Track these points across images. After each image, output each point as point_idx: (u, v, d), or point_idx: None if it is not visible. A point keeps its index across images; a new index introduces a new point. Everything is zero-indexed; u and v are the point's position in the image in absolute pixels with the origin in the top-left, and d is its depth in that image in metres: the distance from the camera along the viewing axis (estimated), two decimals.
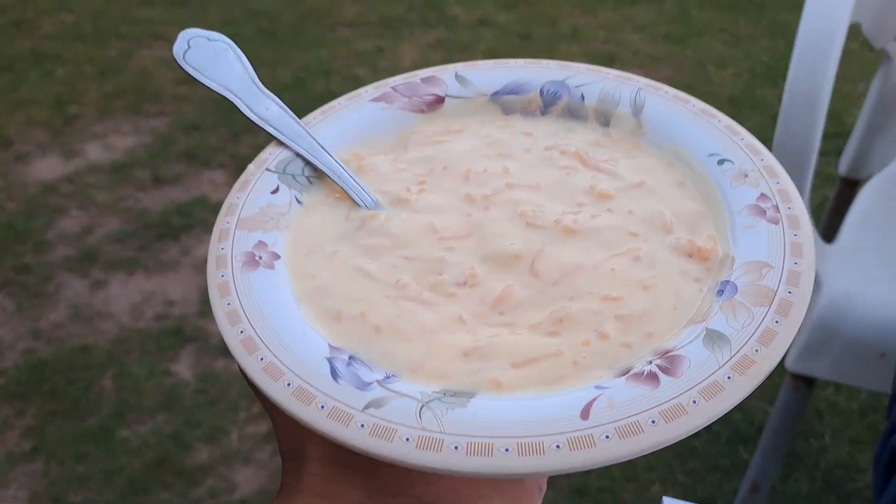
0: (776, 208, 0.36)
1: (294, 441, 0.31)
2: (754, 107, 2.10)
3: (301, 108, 0.44)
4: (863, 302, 0.94)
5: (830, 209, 1.47)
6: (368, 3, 2.76)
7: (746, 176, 0.38)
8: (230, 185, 1.96)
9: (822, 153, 1.96)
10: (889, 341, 0.93)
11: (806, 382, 1.04)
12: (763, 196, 0.36)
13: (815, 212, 1.72)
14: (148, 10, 2.73)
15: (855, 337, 0.94)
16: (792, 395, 1.05)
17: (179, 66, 0.41)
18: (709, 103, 0.43)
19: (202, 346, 1.53)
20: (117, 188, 1.94)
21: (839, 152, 1.51)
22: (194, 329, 1.56)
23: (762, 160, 0.38)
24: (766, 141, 0.93)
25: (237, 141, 2.07)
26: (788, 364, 1.01)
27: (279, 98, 0.43)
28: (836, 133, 1.99)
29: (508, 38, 2.54)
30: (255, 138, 2.06)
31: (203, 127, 2.12)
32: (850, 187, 1.39)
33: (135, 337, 1.55)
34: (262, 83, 0.43)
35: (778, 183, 0.37)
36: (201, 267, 1.71)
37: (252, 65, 0.43)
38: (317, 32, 2.58)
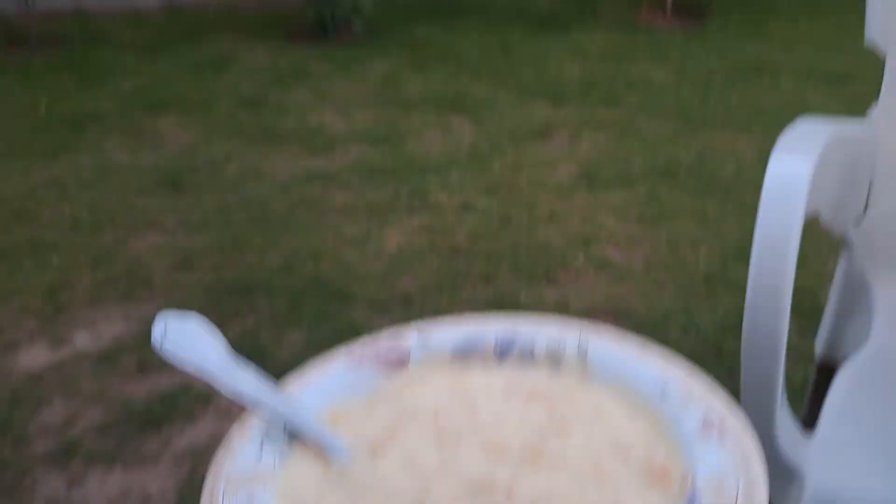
0: (721, 422, 0.40)
1: None
2: (728, 287, 2.17)
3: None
4: (849, 497, 0.93)
5: (810, 393, 1.47)
6: (357, 191, 2.90)
7: (691, 397, 0.42)
8: None
9: (799, 332, 2.00)
10: None
11: None
12: (708, 412, 0.40)
13: (797, 394, 1.73)
14: (145, 200, 2.86)
15: None
16: None
17: (158, 352, 0.45)
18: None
19: None
20: (103, 377, 1.93)
21: (815, 328, 1.54)
22: None
23: (701, 382, 0.43)
24: (740, 323, 0.96)
25: (225, 328, 2.09)
26: None
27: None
28: (811, 310, 2.04)
29: (489, 221, 2.66)
30: (243, 322, 2.09)
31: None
32: (828, 369, 1.41)
33: None
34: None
35: (718, 400, 0.41)
36: (181, 460, 1.67)
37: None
38: (307, 219, 2.69)
